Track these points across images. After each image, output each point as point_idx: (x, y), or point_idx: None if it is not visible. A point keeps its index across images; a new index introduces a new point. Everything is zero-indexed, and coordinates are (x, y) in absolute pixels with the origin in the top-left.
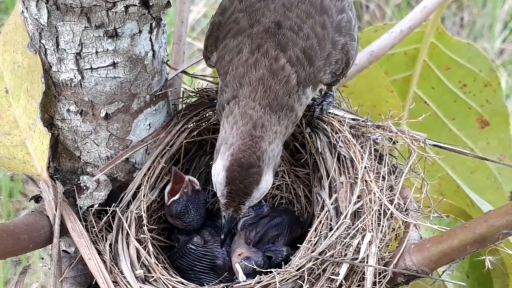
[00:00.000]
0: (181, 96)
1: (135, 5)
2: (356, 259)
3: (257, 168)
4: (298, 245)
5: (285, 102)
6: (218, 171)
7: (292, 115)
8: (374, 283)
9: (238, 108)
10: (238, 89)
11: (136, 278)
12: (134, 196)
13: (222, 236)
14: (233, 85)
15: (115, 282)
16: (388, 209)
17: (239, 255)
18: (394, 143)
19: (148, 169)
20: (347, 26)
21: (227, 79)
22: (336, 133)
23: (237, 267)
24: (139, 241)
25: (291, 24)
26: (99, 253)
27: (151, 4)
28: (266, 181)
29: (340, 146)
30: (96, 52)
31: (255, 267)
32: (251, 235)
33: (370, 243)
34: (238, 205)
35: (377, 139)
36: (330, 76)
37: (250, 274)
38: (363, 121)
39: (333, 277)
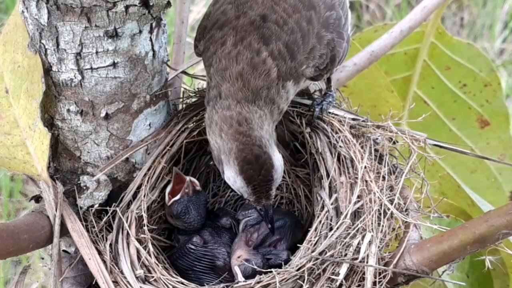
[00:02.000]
0: (181, 96)
1: (135, 5)
2: (356, 259)
3: (264, 155)
4: (298, 245)
5: (264, 94)
6: (234, 179)
7: (274, 107)
8: (374, 283)
9: (216, 113)
10: (220, 85)
11: (136, 278)
12: (134, 196)
13: (269, 226)
14: (216, 78)
15: (115, 282)
16: (388, 209)
17: (238, 257)
18: (394, 143)
19: (149, 169)
20: (336, 23)
21: (211, 72)
22: (336, 133)
23: (236, 270)
24: (140, 241)
25: (277, 18)
26: (99, 253)
27: (151, 4)
28: (278, 159)
29: (340, 146)
30: (96, 52)
31: (255, 267)
32: (252, 237)
33: (370, 243)
34: (267, 193)
35: (377, 139)
36: (313, 70)
37: (249, 276)
38: (363, 121)
39: (333, 277)
